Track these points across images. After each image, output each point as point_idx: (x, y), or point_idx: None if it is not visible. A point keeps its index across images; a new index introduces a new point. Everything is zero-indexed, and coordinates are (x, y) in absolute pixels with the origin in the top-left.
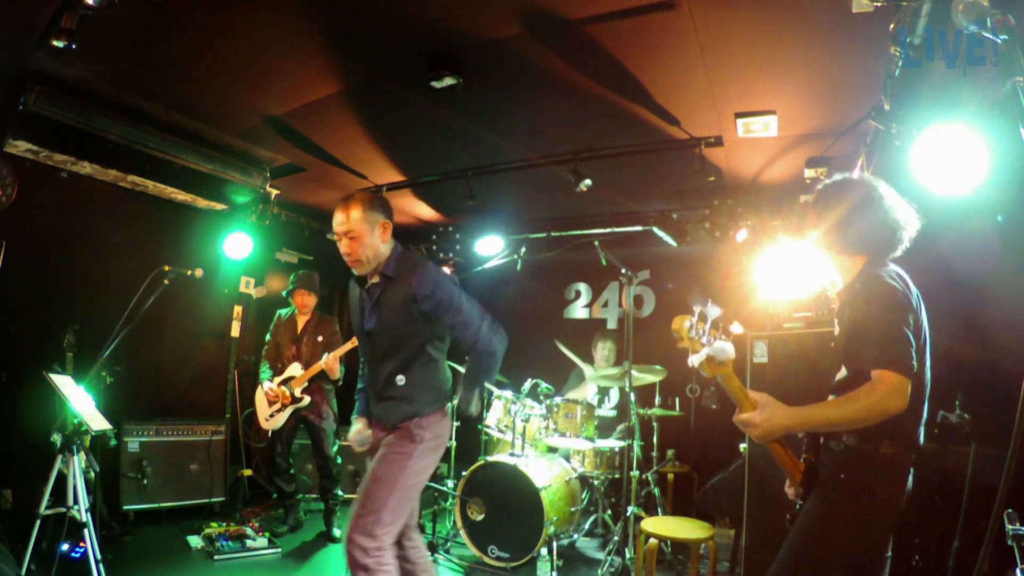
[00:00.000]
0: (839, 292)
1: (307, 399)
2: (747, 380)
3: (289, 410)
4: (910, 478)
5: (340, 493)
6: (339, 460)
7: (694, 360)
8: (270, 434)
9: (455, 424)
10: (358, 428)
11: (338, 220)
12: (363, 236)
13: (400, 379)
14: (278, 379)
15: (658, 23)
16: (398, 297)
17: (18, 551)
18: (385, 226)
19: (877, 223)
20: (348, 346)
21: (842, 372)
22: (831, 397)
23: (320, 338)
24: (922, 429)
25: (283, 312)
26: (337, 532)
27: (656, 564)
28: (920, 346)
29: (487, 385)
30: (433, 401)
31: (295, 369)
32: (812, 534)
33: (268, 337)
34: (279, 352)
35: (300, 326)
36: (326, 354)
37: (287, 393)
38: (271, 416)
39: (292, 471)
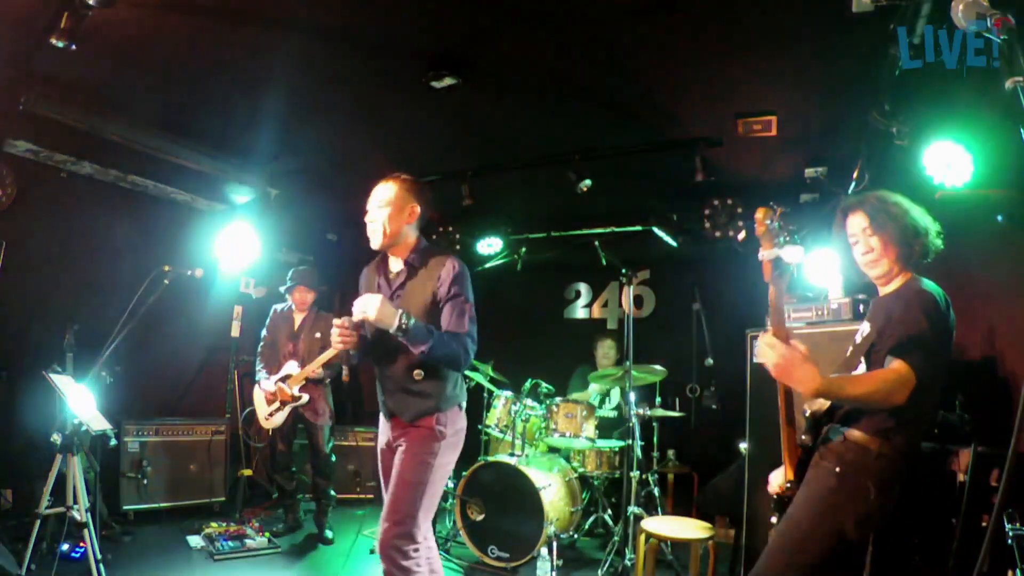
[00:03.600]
0: (878, 299)
1: (305, 397)
2: (747, 380)
3: (288, 408)
4: (903, 481)
5: (333, 494)
6: (333, 458)
7: (765, 255)
8: (270, 433)
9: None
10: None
11: (376, 191)
12: (391, 209)
13: (419, 373)
14: (275, 377)
15: (658, 23)
16: (423, 286)
17: (18, 551)
18: (413, 211)
19: (920, 234)
20: (329, 354)
21: (861, 368)
22: None
23: (318, 335)
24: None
25: (279, 307)
26: (329, 534)
27: (656, 564)
28: (943, 357)
29: (431, 352)
30: (449, 397)
31: (292, 367)
32: (803, 527)
33: (264, 333)
34: (275, 350)
35: (297, 323)
36: (315, 360)
37: (286, 391)
38: (271, 415)
39: (294, 468)
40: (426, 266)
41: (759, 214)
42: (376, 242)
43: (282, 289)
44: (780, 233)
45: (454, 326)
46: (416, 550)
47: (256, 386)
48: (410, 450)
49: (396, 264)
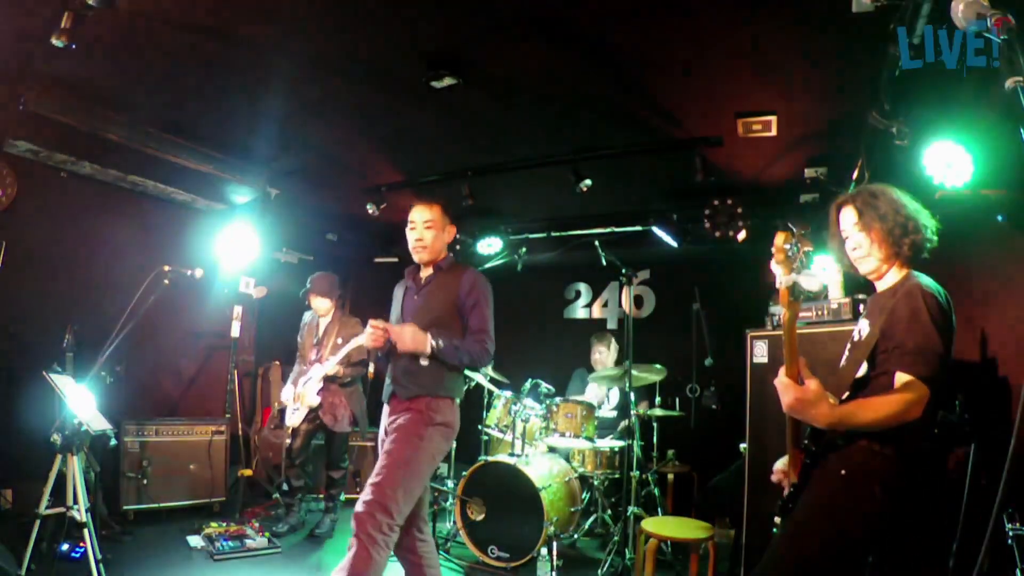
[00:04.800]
0: (875, 296)
1: (318, 400)
2: (747, 380)
3: (304, 410)
4: (908, 482)
5: (342, 498)
6: (346, 463)
7: (782, 282)
8: (290, 430)
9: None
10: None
11: (422, 212)
12: (438, 230)
13: (423, 361)
14: (303, 379)
15: (658, 23)
16: (446, 288)
17: (18, 551)
18: (451, 231)
19: (912, 229)
20: (349, 347)
21: (863, 369)
22: (847, 394)
23: (340, 340)
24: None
25: (306, 315)
26: (319, 530)
27: (656, 564)
28: (950, 360)
29: (460, 364)
30: (446, 388)
31: (317, 371)
32: (808, 529)
33: (299, 339)
34: (304, 355)
35: (321, 329)
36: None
37: (304, 394)
38: (292, 413)
39: (307, 467)
40: (451, 273)
41: (778, 239)
42: (423, 257)
43: (300, 293)
44: (797, 257)
45: (476, 330)
46: (390, 527)
47: (289, 385)
48: (399, 430)
49: (426, 271)
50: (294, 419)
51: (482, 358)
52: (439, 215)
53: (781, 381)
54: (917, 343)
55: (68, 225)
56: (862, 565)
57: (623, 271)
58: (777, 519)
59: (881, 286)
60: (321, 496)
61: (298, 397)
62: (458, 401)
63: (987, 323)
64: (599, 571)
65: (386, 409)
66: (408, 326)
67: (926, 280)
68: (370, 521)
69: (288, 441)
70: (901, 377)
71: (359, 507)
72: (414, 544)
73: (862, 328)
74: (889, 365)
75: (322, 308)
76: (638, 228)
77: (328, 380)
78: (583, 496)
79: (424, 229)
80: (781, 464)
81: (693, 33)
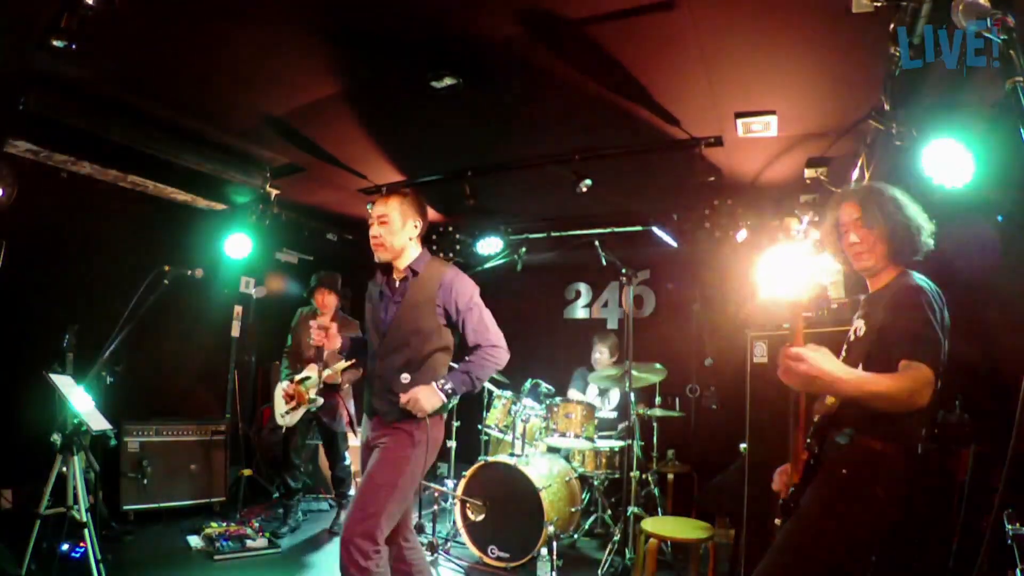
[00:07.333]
0: (869, 295)
1: (320, 400)
2: (747, 380)
3: (303, 410)
4: (910, 482)
5: (351, 494)
6: (348, 461)
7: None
8: (283, 431)
9: (455, 424)
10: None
11: (376, 207)
12: (393, 224)
13: (405, 378)
14: (297, 378)
15: (658, 23)
16: (422, 295)
17: (18, 551)
18: (416, 225)
19: (912, 230)
20: (344, 364)
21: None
22: None
23: (338, 341)
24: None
25: (304, 310)
26: (336, 528)
27: (656, 564)
28: (946, 354)
29: (480, 383)
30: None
31: (312, 370)
32: (811, 529)
33: (290, 336)
34: (299, 352)
35: None
36: (334, 365)
37: (303, 394)
38: (286, 413)
39: (302, 468)
40: (427, 276)
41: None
42: (380, 257)
43: (305, 293)
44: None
45: (479, 338)
46: (377, 551)
47: (278, 384)
48: (384, 452)
49: (399, 274)
50: (291, 419)
51: (498, 363)
52: (396, 207)
53: (790, 351)
54: (916, 332)
55: (68, 225)
56: (865, 565)
57: (623, 271)
58: (778, 520)
59: (875, 284)
60: (323, 496)
61: (295, 395)
62: (445, 415)
63: (987, 323)
64: (599, 571)
65: (367, 422)
66: (416, 392)
67: (919, 276)
68: (359, 553)
69: (283, 442)
70: (905, 364)
71: (345, 533)
72: (401, 553)
73: (858, 328)
74: (891, 356)
75: (330, 304)
76: (638, 228)
77: (329, 387)
78: (583, 496)
79: (378, 225)
80: (782, 474)
81: (692, 33)
